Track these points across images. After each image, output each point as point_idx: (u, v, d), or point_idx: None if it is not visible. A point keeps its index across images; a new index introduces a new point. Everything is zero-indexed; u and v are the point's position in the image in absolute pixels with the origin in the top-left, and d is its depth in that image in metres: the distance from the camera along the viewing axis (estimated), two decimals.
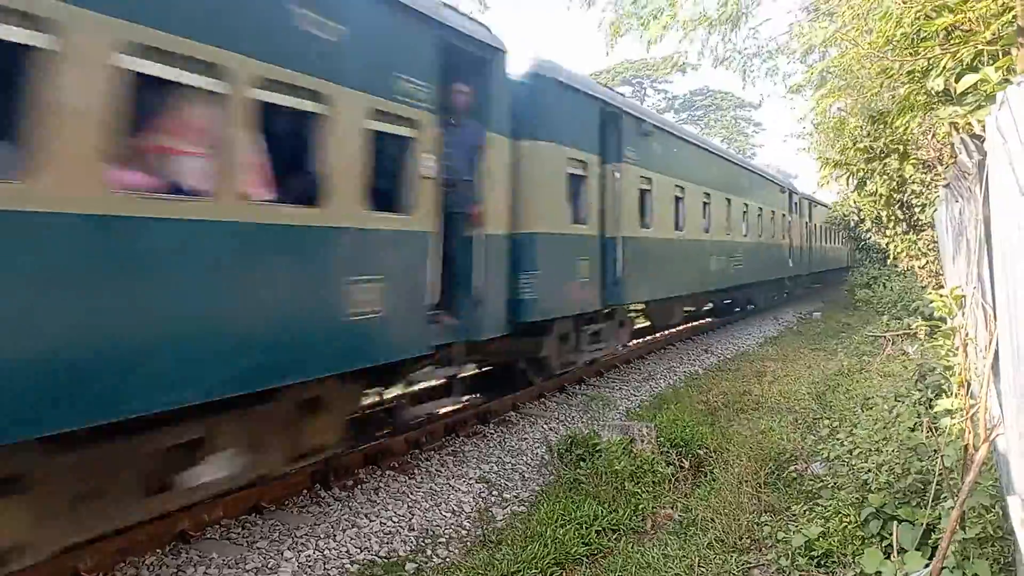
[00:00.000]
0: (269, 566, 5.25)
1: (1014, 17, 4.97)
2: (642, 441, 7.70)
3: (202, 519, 5.74)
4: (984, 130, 4.50)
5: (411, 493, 6.82)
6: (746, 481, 6.72)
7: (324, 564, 5.39)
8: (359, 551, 5.66)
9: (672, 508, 6.55)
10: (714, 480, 7.01)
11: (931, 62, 6.56)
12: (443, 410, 8.73)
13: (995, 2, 5.09)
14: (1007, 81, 4.19)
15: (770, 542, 5.52)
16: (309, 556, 5.46)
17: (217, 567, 5.16)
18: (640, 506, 6.48)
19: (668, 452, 7.72)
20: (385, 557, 5.64)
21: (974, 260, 4.81)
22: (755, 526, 5.82)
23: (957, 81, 5.84)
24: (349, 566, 5.43)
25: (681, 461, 7.56)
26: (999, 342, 3.86)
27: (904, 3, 6.18)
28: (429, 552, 5.81)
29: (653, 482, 6.96)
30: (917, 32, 6.65)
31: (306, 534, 5.78)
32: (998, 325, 3.84)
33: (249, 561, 5.28)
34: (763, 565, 5.24)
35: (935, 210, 12.54)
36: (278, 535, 5.73)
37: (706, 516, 6.09)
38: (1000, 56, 5.15)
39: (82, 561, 4.84)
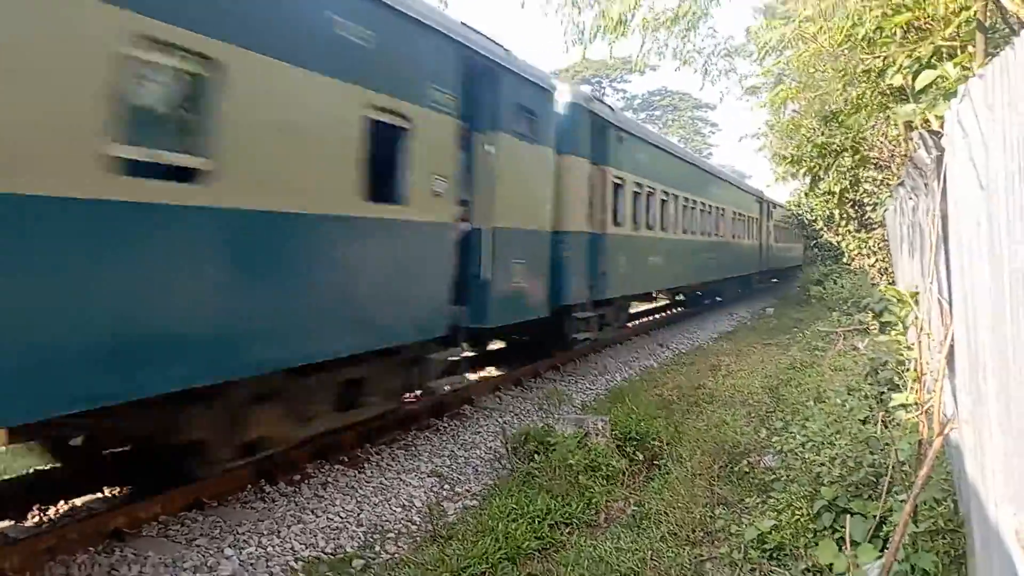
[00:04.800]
0: (208, 564, 5.03)
1: (975, 14, 4.98)
2: (597, 435, 7.64)
3: (138, 516, 5.49)
4: (942, 127, 4.50)
5: (360, 488, 6.65)
6: (700, 474, 6.70)
7: (267, 562, 5.19)
8: (304, 548, 5.47)
9: (626, 502, 6.50)
10: (668, 473, 6.98)
11: (887, 61, 6.60)
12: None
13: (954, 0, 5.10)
14: (965, 77, 4.19)
15: (723, 535, 5.50)
16: (251, 553, 5.25)
17: (153, 566, 4.93)
18: (593, 500, 6.41)
19: (623, 446, 7.68)
20: (331, 553, 5.47)
21: (930, 256, 4.82)
22: (708, 519, 5.79)
23: (914, 79, 5.87)
24: (293, 563, 5.24)
25: (635, 455, 7.52)
26: (954, 337, 3.86)
27: (864, 2, 6.19)
28: (378, 548, 5.65)
29: (607, 476, 6.90)
30: (875, 31, 6.67)
31: (249, 530, 5.57)
32: (954, 320, 3.83)
33: (187, 559, 5.05)
34: (716, 558, 5.20)
35: (886, 209, 12.74)
36: (219, 532, 5.51)
37: (659, 509, 6.05)
38: (958, 52, 5.16)
39: (8, 560, 4.58)
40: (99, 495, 6.14)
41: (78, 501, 5.99)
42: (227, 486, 6.19)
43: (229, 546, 5.29)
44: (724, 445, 7.47)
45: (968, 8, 5.21)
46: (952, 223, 3.85)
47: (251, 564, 5.12)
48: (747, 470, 6.79)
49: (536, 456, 7.22)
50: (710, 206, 20.84)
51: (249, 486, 6.34)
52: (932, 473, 4.01)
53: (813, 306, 20.55)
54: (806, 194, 16.57)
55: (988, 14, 5.00)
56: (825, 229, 19.40)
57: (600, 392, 11.26)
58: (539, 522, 5.85)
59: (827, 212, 16.64)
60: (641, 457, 7.49)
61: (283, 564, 5.19)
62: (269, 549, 5.35)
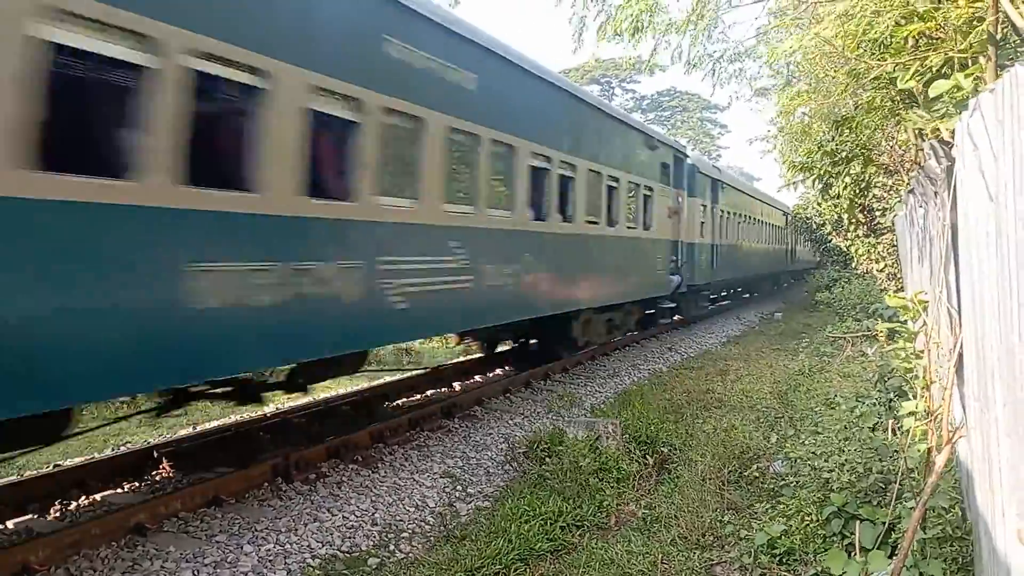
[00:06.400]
0: (228, 560, 5.14)
1: (987, 27, 5.04)
2: (607, 438, 7.72)
3: (158, 511, 5.61)
4: (952, 137, 4.56)
5: (375, 487, 6.75)
6: (709, 478, 6.77)
7: (285, 558, 5.30)
8: (321, 545, 5.58)
9: (636, 505, 6.57)
10: (678, 477, 7.05)
11: (897, 68, 6.66)
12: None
13: (967, 10, 5.15)
14: (977, 89, 4.25)
15: (733, 540, 5.56)
16: (269, 550, 5.36)
17: (174, 561, 5.04)
18: (604, 502, 6.49)
19: (633, 449, 7.75)
20: (347, 552, 5.57)
21: (939, 265, 4.88)
22: (718, 523, 5.86)
23: (925, 87, 5.93)
24: (310, 560, 5.34)
25: (645, 458, 7.59)
26: (963, 346, 3.92)
27: (879, 7, 6.24)
28: (392, 547, 5.75)
29: (617, 479, 6.98)
30: (887, 38, 6.73)
31: (266, 528, 5.68)
32: (963, 329, 3.90)
33: (208, 555, 5.16)
34: (726, 562, 5.27)
35: (895, 215, 12.76)
36: (237, 528, 5.62)
37: (670, 513, 6.12)
38: (969, 64, 5.22)
39: (33, 554, 4.70)
40: (119, 490, 6.27)
41: (98, 496, 6.12)
42: (244, 484, 6.30)
43: (248, 543, 5.40)
44: (733, 450, 7.52)
45: (982, 20, 5.27)
46: (961, 233, 3.92)
47: (270, 561, 5.22)
48: (756, 475, 6.85)
49: (547, 459, 7.30)
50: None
51: (265, 484, 6.45)
52: (940, 480, 4.07)
53: (822, 311, 20.56)
54: (819, 203, 16.48)
55: (1000, 27, 5.06)
56: (833, 234, 19.38)
57: (609, 395, 11.33)
58: (551, 524, 5.93)
59: (836, 216, 16.64)
60: (651, 461, 7.55)
61: (300, 561, 5.29)
62: (287, 546, 5.45)
